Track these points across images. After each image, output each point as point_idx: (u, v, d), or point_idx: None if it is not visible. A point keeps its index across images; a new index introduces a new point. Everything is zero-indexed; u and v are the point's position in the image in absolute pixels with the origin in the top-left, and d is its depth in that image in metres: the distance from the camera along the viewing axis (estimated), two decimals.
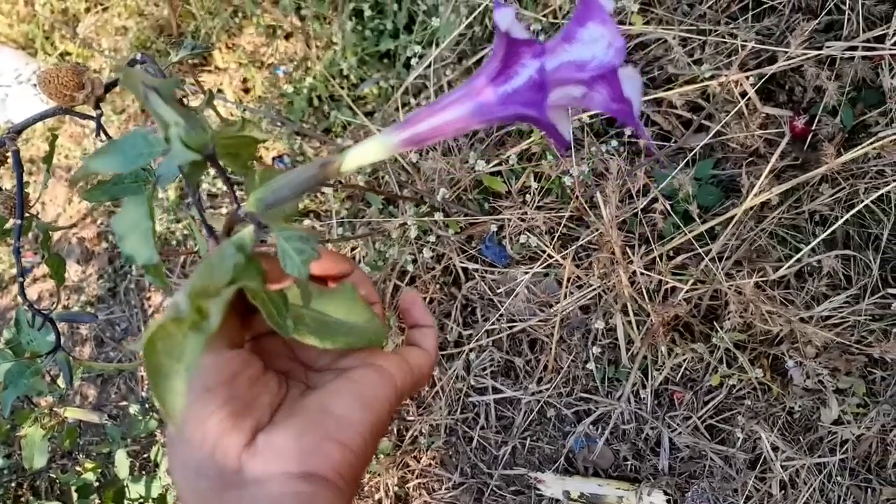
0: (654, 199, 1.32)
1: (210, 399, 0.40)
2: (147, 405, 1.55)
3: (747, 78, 1.29)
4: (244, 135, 0.43)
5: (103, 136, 0.65)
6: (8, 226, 0.70)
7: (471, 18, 1.45)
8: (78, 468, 1.53)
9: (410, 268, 1.52)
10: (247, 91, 1.98)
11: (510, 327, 1.52)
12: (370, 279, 0.52)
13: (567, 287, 1.38)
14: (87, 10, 2.17)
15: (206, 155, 0.39)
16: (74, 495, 1.50)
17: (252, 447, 0.39)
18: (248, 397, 0.41)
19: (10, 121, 2.35)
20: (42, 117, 0.63)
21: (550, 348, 1.47)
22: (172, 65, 0.66)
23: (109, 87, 0.62)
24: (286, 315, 0.43)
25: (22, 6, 2.28)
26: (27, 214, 1.04)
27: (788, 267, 1.21)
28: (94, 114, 0.61)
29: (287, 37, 1.94)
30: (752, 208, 1.30)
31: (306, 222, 1.75)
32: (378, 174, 1.61)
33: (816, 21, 1.22)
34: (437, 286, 1.60)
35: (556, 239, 1.37)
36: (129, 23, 2.03)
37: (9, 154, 0.71)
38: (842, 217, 1.25)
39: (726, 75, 1.29)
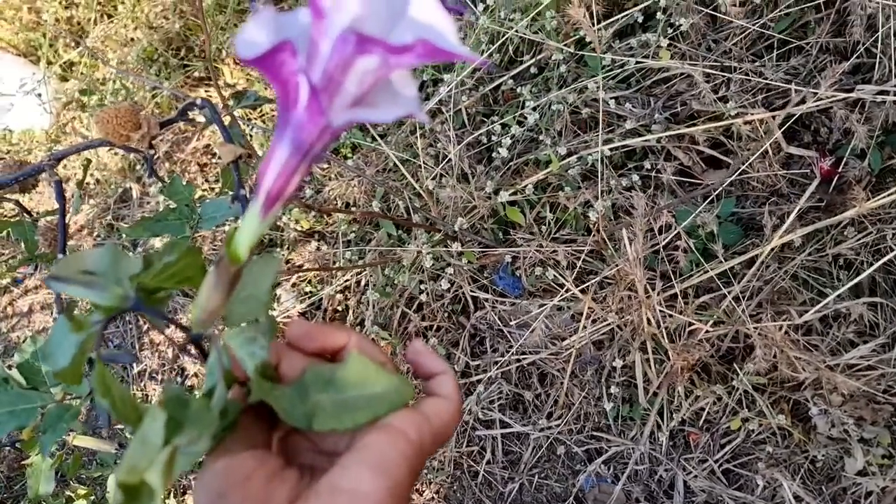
0: (676, 236, 1.30)
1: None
2: None
3: (773, 118, 1.27)
4: (179, 263, 0.42)
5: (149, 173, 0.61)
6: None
7: (493, 47, 1.43)
8: (69, 492, 1.48)
9: (423, 297, 1.49)
10: (255, 108, 1.95)
11: (519, 359, 1.49)
12: (371, 341, 0.49)
13: (582, 321, 1.35)
14: (93, 20, 2.13)
15: (133, 306, 0.41)
16: None
17: None
18: (264, 496, 0.40)
19: (7, 127, 2.30)
20: (88, 147, 0.59)
21: (562, 383, 1.44)
22: (230, 107, 0.63)
23: (165, 124, 0.59)
24: (301, 405, 0.43)
25: (26, 13, 2.24)
26: (28, 220, 1.00)
27: (815, 312, 1.18)
28: (143, 149, 0.58)
29: None
30: (773, 248, 1.28)
31: (312, 244, 1.72)
32: (390, 199, 1.58)
33: (848, 63, 1.21)
34: (446, 314, 1.56)
35: (574, 272, 1.34)
36: (138, 34, 1.99)
37: (40, 180, 0.67)
38: (868, 263, 1.24)
39: (752, 114, 1.27)
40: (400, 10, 0.34)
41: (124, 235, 1.99)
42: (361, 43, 0.33)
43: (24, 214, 0.78)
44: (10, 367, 0.88)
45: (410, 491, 0.43)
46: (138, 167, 2.10)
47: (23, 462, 1.17)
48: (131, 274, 0.42)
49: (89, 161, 1.75)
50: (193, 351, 0.47)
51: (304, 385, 0.45)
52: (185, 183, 0.71)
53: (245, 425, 0.44)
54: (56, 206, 0.79)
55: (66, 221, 0.69)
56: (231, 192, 0.74)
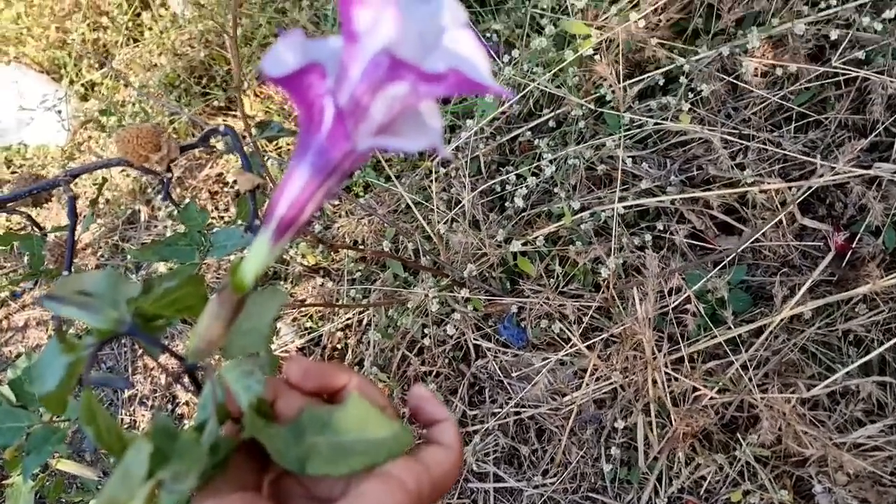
0: (685, 299, 1.29)
1: None
2: None
3: (789, 188, 1.28)
4: (180, 290, 0.42)
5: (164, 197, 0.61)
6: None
7: (514, 98, 1.44)
8: None
9: (427, 341, 1.47)
10: (271, 140, 1.96)
11: (518, 412, 1.46)
12: (372, 383, 0.47)
13: (586, 378, 1.33)
14: (120, 43, 2.16)
15: (127, 331, 0.40)
16: None
17: None
18: None
19: (23, 141, 2.31)
20: (105, 165, 0.59)
21: (560, 440, 1.41)
22: (253, 136, 0.63)
23: (185, 149, 0.58)
24: (295, 448, 0.42)
25: (53, 32, 2.27)
26: (37, 234, 0.99)
27: (824, 387, 1.17)
28: (160, 171, 0.58)
29: None
30: (782, 319, 1.27)
31: (317, 280, 1.71)
32: (399, 240, 1.58)
33: (866, 141, 1.21)
34: (446, 360, 1.54)
35: (581, 327, 1.33)
36: (162, 60, 2.01)
37: (52, 196, 0.67)
38: (879, 341, 1.22)
39: (768, 183, 1.28)
40: (435, 39, 0.34)
41: (129, 257, 1.98)
42: (394, 68, 0.33)
43: (34, 228, 0.77)
44: (0, 382, 0.86)
45: None
46: (149, 190, 2.11)
47: (2, 482, 1.14)
48: (129, 297, 0.41)
49: (105, 180, 1.75)
50: (187, 381, 0.46)
51: (300, 426, 0.43)
52: (198, 209, 0.70)
53: (235, 465, 0.42)
54: (66, 221, 0.79)
55: (75, 239, 0.68)
56: (244, 222, 0.73)
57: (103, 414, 0.40)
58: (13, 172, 2.29)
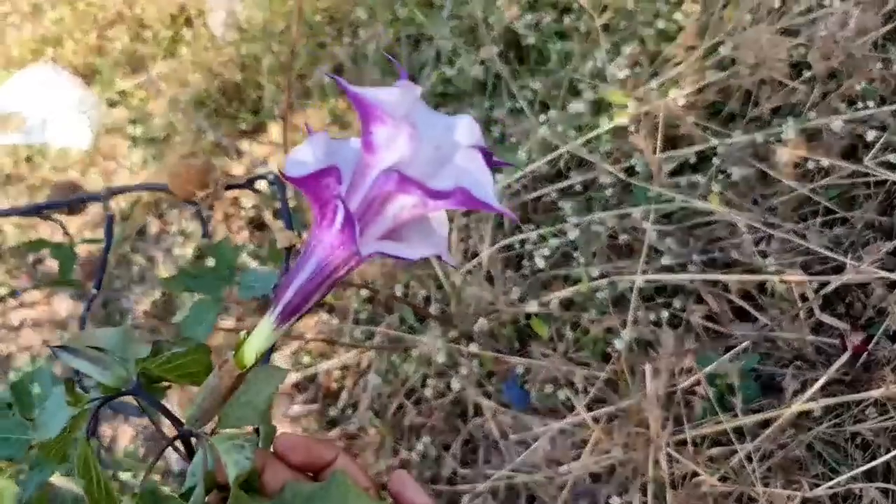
0: (695, 381, 1.27)
1: None
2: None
3: (810, 282, 1.27)
4: (185, 357, 0.44)
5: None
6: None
7: (543, 158, 1.45)
8: None
9: (428, 392, 1.44)
10: None
11: (511, 476, 1.42)
12: (356, 462, 0.49)
13: (586, 449, 1.30)
14: (156, 56, 2.19)
15: (132, 390, 0.43)
16: None
17: None
18: None
19: (46, 142, 2.32)
20: (147, 188, 0.59)
21: None
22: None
23: (230, 187, 0.58)
24: None
25: (93, 38, 2.30)
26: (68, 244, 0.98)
27: (827, 488, 1.14)
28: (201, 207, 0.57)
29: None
30: (791, 414, 1.24)
31: (322, 316, 1.69)
32: (409, 285, 1.56)
33: (892, 244, 1.21)
34: (443, 414, 1.51)
35: (587, 398, 1.31)
36: (196, 77, 2.03)
37: (87, 205, 0.66)
38: (886, 448, 1.19)
39: (790, 274, 1.27)
40: (447, 157, 0.37)
41: (135, 267, 1.97)
42: (402, 182, 0.35)
43: (67, 237, 0.76)
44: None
45: None
46: (163, 205, 2.11)
47: None
48: (138, 358, 0.44)
49: (137, 200, 1.76)
50: (181, 447, 0.48)
51: (283, 501, 0.45)
52: (231, 247, 0.70)
53: None
54: (88, 233, 0.77)
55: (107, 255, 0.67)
56: (276, 267, 0.73)
57: (98, 470, 0.42)
58: (33, 171, 2.29)
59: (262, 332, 0.43)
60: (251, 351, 0.43)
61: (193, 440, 0.46)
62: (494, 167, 0.38)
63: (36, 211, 0.69)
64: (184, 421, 0.45)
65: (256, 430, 0.51)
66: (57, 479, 0.90)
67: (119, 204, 2.08)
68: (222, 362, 0.44)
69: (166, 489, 0.46)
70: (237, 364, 0.44)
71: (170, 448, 0.47)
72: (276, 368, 0.52)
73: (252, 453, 0.42)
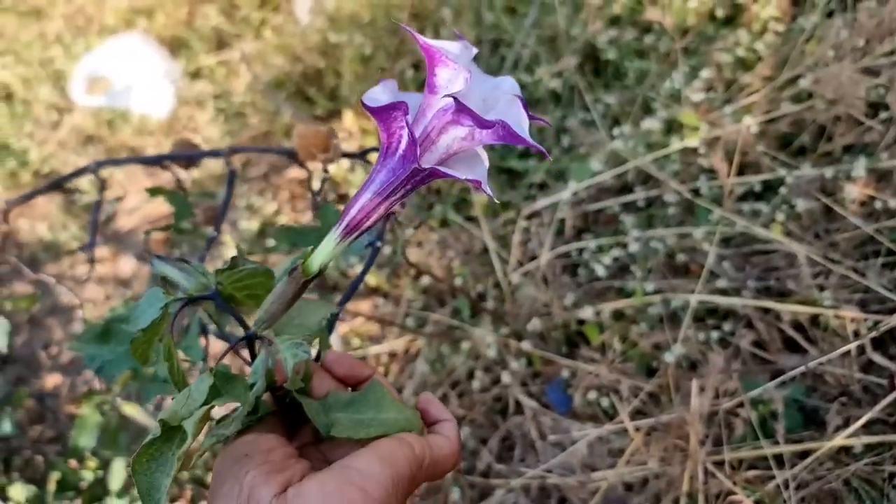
0: (738, 403, 1.29)
1: (247, 461, 0.46)
2: None
3: (865, 320, 1.27)
4: (254, 278, 0.52)
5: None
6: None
7: (611, 171, 1.48)
8: (73, 461, 1.47)
9: (476, 384, 1.48)
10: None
11: (543, 476, 1.46)
12: (389, 384, 0.57)
13: (623, 458, 1.33)
14: (241, 35, 2.27)
15: (209, 296, 0.50)
16: (53, 485, 1.44)
17: (282, 497, 0.44)
18: (281, 466, 0.47)
19: (128, 107, 2.42)
20: (267, 151, 0.66)
21: None
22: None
23: (345, 156, 0.64)
24: (324, 416, 0.51)
25: (184, 12, 2.40)
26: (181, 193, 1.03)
27: None
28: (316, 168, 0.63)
29: None
30: (831, 447, 1.25)
31: (377, 300, 1.74)
32: (468, 281, 1.60)
33: None
34: (484, 408, 1.55)
35: (630, 408, 1.33)
36: (279, 60, 2.10)
37: (200, 162, 0.72)
38: None
39: (845, 310, 1.28)
40: (492, 107, 0.46)
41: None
42: (458, 111, 0.43)
43: (180, 189, 0.82)
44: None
45: (409, 495, 0.49)
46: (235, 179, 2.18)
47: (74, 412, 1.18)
48: (217, 269, 0.51)
49: (237, 168, 1.83)
50: (245, 354, 0.55)
51: (326, 403, 0.53)
52: (334, 211, 0.75)
53: (270, 423, 0.52)
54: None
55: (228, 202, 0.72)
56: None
57: (176, 356, 0.50)
58: (113, 134, 2.40)
59: (327, 245, 0.49)
60: (316, 262, 0.50)
61: (257, 344, 0.52)
62: (536, 121, 0.46)
63: (158, 161, 0.75)
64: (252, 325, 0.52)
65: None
66: (130, 409, 0.97)
67: (192, 174, 2.17)
68: (292, 270, 0.50)
69: None
70: (304, 272, 0.50)
71: None
72: (327, 302, 0.59)
73: (307, 350, 0.49)
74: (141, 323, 0.48)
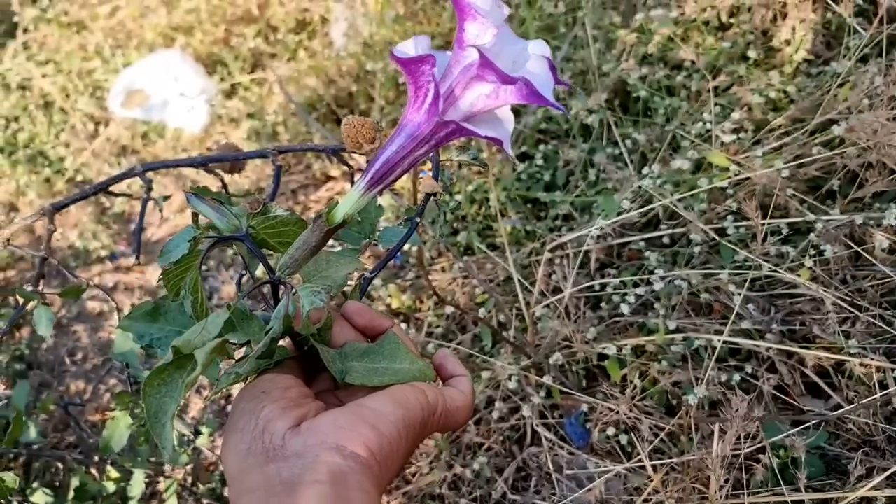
0: (759, 448, 1.28)
1: (265, 397, 0.47)
2: (189, 436, 1.52)
3: (892, 370, 1.26)
4: (285, 226, 0.54)
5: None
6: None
7: (636, 207, 1.48)
8: (93, 470, 1.49)
9: (496, 414, 1.48)
10: (460, 166, 2.04)
11: None
12: (408, 337, 0.58)
13: (641, 498, 1.32)
14: (277, 56, 2.31)
15: (240, 236, 0.53)
16: (70, 493, 1.45)
17: (297, 430, 0.45)
18: (297, 403, 0.48)
19: (163, 121, 2.47)
20: (312, 149, 0.68)
21: None
22: (455, 159, 0.68)
23: None
24: (340, 364, 0.53)
25: (221, 31, 2.45)
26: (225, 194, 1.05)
27: None
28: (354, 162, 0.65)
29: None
30: (853, 498, 1.24)
31: (403, 325, 1.74)
32: (490, 309, 1.61)
33: None
34: (501, 438, 1.55)
35: (650, 446, 1.33)
36: (313, 81, 2.14)
37: (245, 166, 0.74)
38: None
39: (872, 359, 1.27)
40: (521, 63, 0.46)
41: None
42: (483, 66, 0.43)
43: (224, 191, 0.85)
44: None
45: (414, 447, 0.51)
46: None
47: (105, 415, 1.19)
48: (249, 213, 0.54)
49: (280, 166, 1.87)
50: (269, 297, 0.57)
51: (343, 352, 0.54)
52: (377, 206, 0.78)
53: (289, 367, 0.54)
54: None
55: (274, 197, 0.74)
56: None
57: (202, 292, 0.52)
58: (146, 146, 2.44)
59: (352, 196, 0.51)
60: (340, 212, 0.51)
61: (281, 289, 0.54)
62: (560, 84, 0.47)
63: (203, 163, 0.77)
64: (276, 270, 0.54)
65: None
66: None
67: (236, 179, 2.20)
68: (316, 217, 0.52)
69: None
70: (328, 221, 0.51)
71: None
72: (354, 258, 0.61)
73: (325, 299, 0.50)
74: (173, 256, 0.50)
